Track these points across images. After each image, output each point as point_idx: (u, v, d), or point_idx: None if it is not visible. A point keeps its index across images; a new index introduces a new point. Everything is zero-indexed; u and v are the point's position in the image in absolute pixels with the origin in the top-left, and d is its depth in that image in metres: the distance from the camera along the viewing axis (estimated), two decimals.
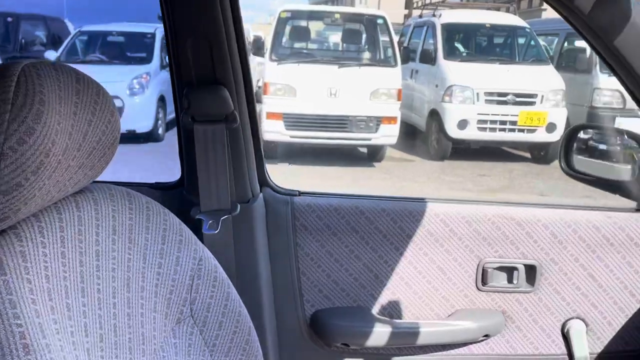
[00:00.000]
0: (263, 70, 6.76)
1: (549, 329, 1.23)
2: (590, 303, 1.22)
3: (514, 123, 6.87)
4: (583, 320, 1.23)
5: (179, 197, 1.13)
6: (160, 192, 1.16)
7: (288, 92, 6.21)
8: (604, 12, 0.96)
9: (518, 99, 7.01)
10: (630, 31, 0.98)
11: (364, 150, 7.54)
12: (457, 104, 7.13)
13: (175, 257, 0.76)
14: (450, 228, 1.20)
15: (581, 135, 1.60)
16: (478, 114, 7.04)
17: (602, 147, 1.52)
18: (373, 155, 7.17)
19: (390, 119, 6.48)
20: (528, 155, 7.48)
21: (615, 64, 1.05)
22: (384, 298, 1.21)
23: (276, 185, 1.22)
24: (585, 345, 1.23)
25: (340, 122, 6.38)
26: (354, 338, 1.18)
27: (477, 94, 7.08)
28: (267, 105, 6.24)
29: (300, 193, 1.22)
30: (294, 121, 6.24)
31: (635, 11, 0.99)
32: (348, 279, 1.20)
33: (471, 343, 1.23)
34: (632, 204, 1.29)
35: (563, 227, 1.20)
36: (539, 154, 7.20)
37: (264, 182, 1.21)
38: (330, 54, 6.89)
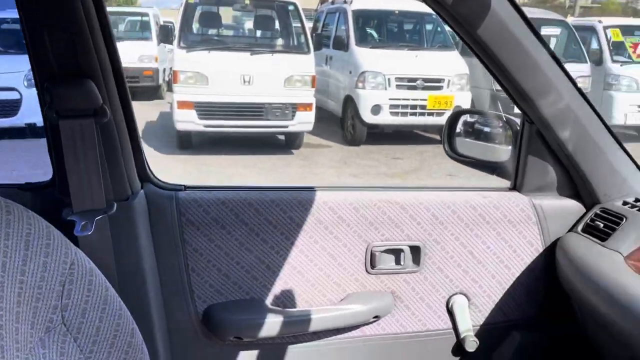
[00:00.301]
0: (172, 58, 6.54)
1: (435, 306, 1.30)
2: (471, 279, 1.30)
3: (423, 107, 7.14)
4: (465, 295, 1.31)
5: (50, 198, 1.06)
6: (30, 193, 1.09)
7: (199, 80, 6.05)
8: (466, 2, 1.01)
9: (427, 84, 7.28)
10: (490, 20, 1.04)
11: (282, 137, 7.53)
12: (370, 89, 7.29)
13: (42, 262, 0.72)
14: (339, 215, 1.22)
15: (468, 119, 1.68)
16: (390, 99, 7.24)
17: (487, 129, 1.61)
18: (291, 142, 7.18)
19: (306, 106, 6.51)
20: (438, 137, 7.81)
21: (479, 51, 1.11)
22: (276, 288, 1.22)
23: (159, 181, 1.19)
24: (468, 318, 1.30)
25: (255, 110, 6.32)
26: (247, 330, 1.18)
27: (389, 79, 7.27)
28: (178, 94, 6.06)
29: (186, 187, 1.19)
30: (207, 110, 6.10)
31: (495, 1, 1.05)
32: (239, 272, 1.20)
33: (363, 325, 1.26)
34: (507, 183, 1.38)
35: (443, 209, 1.26)
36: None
37: (145, 177, 1.16)
38: (242, 41, 6.77)
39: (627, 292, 1.02)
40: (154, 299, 1.14)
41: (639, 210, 1.18)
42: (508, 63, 1.12)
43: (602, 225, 1.22)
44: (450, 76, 7.18)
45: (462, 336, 1.29)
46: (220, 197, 1.18)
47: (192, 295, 1.18)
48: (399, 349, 1.30)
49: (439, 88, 7.32)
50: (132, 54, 10.91)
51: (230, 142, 7.03)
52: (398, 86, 7.27)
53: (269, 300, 1.22)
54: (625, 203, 1.23)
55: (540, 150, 1.27)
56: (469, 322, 1.30)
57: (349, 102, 7.68)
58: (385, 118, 7.30)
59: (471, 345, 1.28)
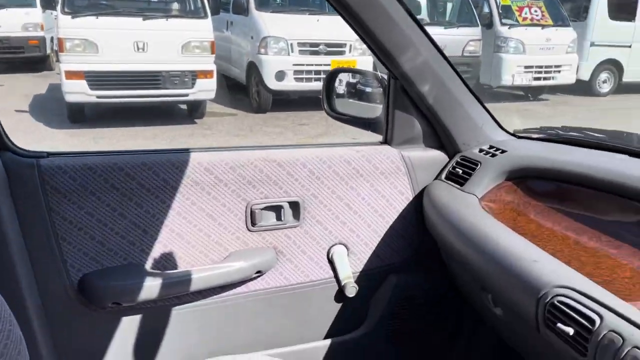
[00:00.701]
0: (56, 24, 6.06)
1: (316, 257, 1.36)
2: (349, 229, 1.37)
3: (327, 72, 7.20)
4: (344, 245, 1.38)
5: None
6: None
7: (88, 48, 5.68)
8: None
9: (329, 49, 7.34)
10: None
11: (184, 107, 7.31)
12: (272, 55, 7.22)
13: None
14: (215, 175, 1.23)
15: (351, 80, 1.74)
16: (294, 64, 7.24)
17: (368, 90, 1.67)
18: (193, 111, 6.99)
19: (206, 73, 6.34)
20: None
21: (343, 11, 1.15)
22: (155, 252, 1.22)
23: (18, 148, 1.12)
24: (348, 266, 1.38)
25: (152, 79, 6.06)
26: (126, 295, 1.17)
27: (291, 44, 7.24)
28: (65, 64, 5.65)
29: (49, 154, 1.14)
30: (99, 80, 5.76)
31: None
32: (114, 238, 1.18)
33: (247, 281, 1.30)
34: (379, 137, 1.45)
35: (319, 164, 1.31)
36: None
37: (2, 145, 1.10)
38: (134, 5, 6.40)
39: (479, 229, 1.13)
40: (23, 273, 1.10)
41: (492, 155, 1.30)
42: (369, 22, 1.17)
43: (461, 171, 1.33)
44: (351, 41, 7.29)
45: (342, 283, 1.36)
46: (87, 162, 1.14)
47: (65, 265, 1.15)
48: (284, 300, 1.35)
49: (342, 53, 7.41)
50: (13, 22, 10.02)
51: (128, 113, 6.71)
52: (301, 51, 7.27)
53: (148, 265, 1.21)
54: (481, 150, 1.35)
55: (405, 104, 1.34)
56: (349, 270, 1.37)
57: (253, 69, 7.57)
58: (289, 84, 7.30)
59: (351, 290, 1.36)
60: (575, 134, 1.34)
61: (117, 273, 1.18)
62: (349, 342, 1.42)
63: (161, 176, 1.19)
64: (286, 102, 7.87)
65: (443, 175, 1.38)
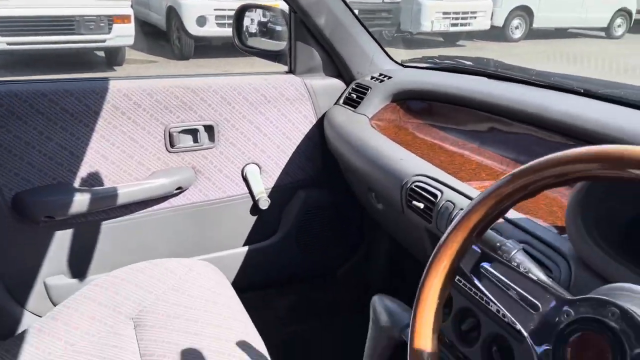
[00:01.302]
0: None
1: (232, 175, 1.54)
2: (260, 150, 1.55)
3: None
4: (257, 164, 1.56)
5: None
6: None
7: None
8: None
9: None
10: None
11: (101, 54, 7.05)
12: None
13: None
14: (134, 101, 1.36)
15: (262, 18, 1.87)
16: (215, 9, 7.12)
17: (277, 28, 1.81)
18: (111, 58, 6.77)
19: (123, 18, 6.13)
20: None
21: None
22: (82, 172, 1.35)
23: None
24: (260, 183, 1.57)
25: (65, 24, 5.80)
26: (58, 209, 1.30)
27: None
28: None
29: None
30: (6, 25, 5.45)
31: None
32: (43, 159, 1.29)
33: (170, 197, 1.46)
34: (284, 68, 1.62)
35: (230, 91, 1.47)
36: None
37: None
38: None
39: (366, 141, 1.34)
40: None
41: (380, 82, 1.52)
42: None
43: (355, 96, 1.54)
44: None
45: (256, 198, 1.56)
46: (13, 89, 1.23)
47: None
48: (204, 214, 1.53)
49: None
50: None
51: (42, 61, 6.41)
52: None
53: (76, 183, 1.34)
54: (372, 77, 1.56)
55: (305, 36, 1.52)
56: (262, 186, 1.57)
57: (172, 14, 7.38)
58: (211, 29, 7.20)
59: (264, 204, 1.56)
60: (449, 62, 1.57)
61: (48, 190, 1.30)
62: (265, 249, 1.64)
63: (83, 102, 1.30)
64: (209, 48, 7.78)
65: (341, 101, 1.58)
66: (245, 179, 1.56)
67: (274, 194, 1.60)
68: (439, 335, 0.62)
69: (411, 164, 1.14)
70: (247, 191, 1.57)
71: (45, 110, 1.27)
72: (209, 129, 1.47)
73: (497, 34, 10.94)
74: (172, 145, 1.43)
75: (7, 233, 1.30)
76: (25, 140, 1.26)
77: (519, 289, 0.56)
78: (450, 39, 10.42)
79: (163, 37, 7.93)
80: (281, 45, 1.66)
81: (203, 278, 1.28)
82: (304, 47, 1.54)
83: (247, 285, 1.59)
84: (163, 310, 1.18)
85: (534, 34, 11.58)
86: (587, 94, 1.13)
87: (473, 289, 0.86)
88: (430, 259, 0.63)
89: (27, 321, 1.37)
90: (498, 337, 0.77)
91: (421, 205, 1.03)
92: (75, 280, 1.41)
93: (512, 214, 0.90)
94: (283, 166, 1.60)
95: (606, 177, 0.49)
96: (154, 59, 7.46)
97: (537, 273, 0.67)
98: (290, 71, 1.59)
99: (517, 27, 11.52)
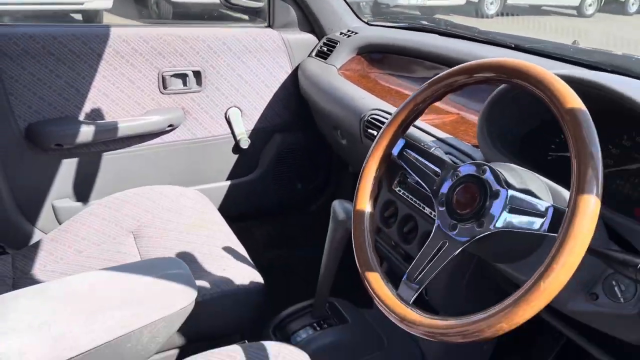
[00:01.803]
0: None
1: (216, 117, 1.75)
2: (242, 95, 1.77)
3: None
4: (238, 107, 1.78)
5: None
6: None
7: None
8: None
9: None
10: None
11: (79, 17, 7.05)
12: None
13: None
14: (132, 46, 1.55)
15: None
16: None
17: None
18: (89, 21, 6.78)
19: None
20: (246, 17, 8.03)
21: None
22: (86, 107, 1.54)
23: None
24: (242, 125, 1.79)
25: None
26: (66, 138, 1.50)
27: None
28: None
29: None
30: None
31: None
32: (52, 94, 1.48)
33: (162, 133, 1.67)
34: (264, 22, 1.83)
35: (216, 41, 1.67)
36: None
37: None
38: None
39: (334, 86, 1.57)
40: None
41: (348, 37, 1.74)
42: None
43: (326, 49, 1.76)
44: None
45: (238, 138, 1.78)
46: (28, 31, 1.41)
47: (13, 115, 1.45)
48: (192, 150, 1.74)
49: None
50: None
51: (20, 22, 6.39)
52: None
53: (81, 117, 1.54)
54: (341, 33, 1.77)
55: None
56: (243, 128, 1.79)
57: None
58: None
59: (244, 143, 1.78)
60: (409, 21, 1.80)
61: (57, 122, 1.50)
62: (245, 184, 1.86)
63: (88, 45, 1.49)
64: (187, 15, 7.81)
65: (313, 53, 1.80)
66: (228, 121, 1.77)
67: (253, 135, 1.82)
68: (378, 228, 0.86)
69: (369, 102, 1.37)
70: (230, 132, 1.78)
71: (55, 52, 1.45)
72: (197, 74, 1.67)
73: (472, 9, 11.15)
74: (164, 88, 1.63)
75: (21, 159, 1.49)
76: (37, 77, 1.45)
77: (427, 162, 0.81)
78: (426, 12, 10.60)
79: (142, 1, 7.92)
80: (261, 2, 1.85)
81: (193, 202, 1.50)
82: (281, 4, 1.75)
83: (228, 215, 1.82)
84: (159, 225, 1.40)
85: (508, 9, 11.82)
86: (517, 47, 1.38)
87: (413, 198, 1.11)
88: (370, 149, 0.87)
89: (36, 237, 1.58)
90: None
91: (375, 133, 1.27)
92: (79, 204, 1.62)
93: (441, 134, 1.14)
94: (262, 111, 1.82)
95: (476, 82, 0.74)
96: (133, 23, 7.48)
97: (442, 156, 0.92)
98: (269, 25, 1.80)
99: (492, 3, 11.74)
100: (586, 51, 1.35)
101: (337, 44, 1.73)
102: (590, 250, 0.70)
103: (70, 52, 1.48)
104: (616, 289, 0.74)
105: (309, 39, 1.82)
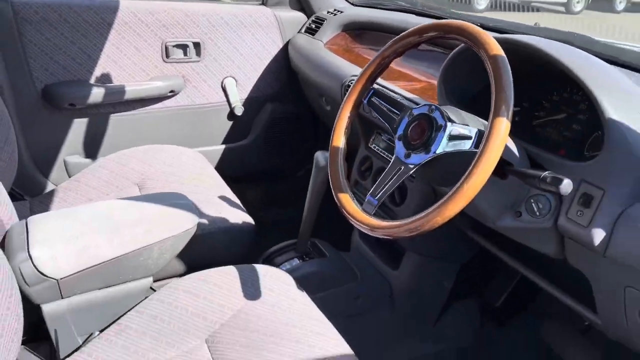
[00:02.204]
0: None
1: (214, 85, 1.92)
2: (237, 66, 1.94)
3: None
4: (234, 78, 1.95)
5: None
6: None
7: None
8: None
9: None
10: None
11: None
12: None
13: None
14: (139, 18, 1.72)
15: None
16: None
17: None
18: None
19: None
20: None
21: None
22: (97, 72, 1.71)
23: None
24: (236, 94, 1.96)
25: None
26: (78, 99, 1.67)
27: None
28: None
29: None
30: None
31: None
32: (67, 59, 1.65)
33: (164, 98, 1.84)
34: (259, 0, 2.00)
35: (215, 16, 1.84)
36: None
37: None
38: None
39: (321, 58, 1.75)
40: (5, 85, 1.56)
41: (334, 15, 1.92)
42: None
43: (314, 26, 1.94)
44: None
45: (232, 106, 1.95)
46: (47, 1, 1.58)
47: (31, 77, 1.62)
48: (191, 116, 1.92)
49: None
50: None
51: None
52: None
53: (92, 80, 1.71)
54: (328, 12, 1.95)
55: None
56: (237, 96, 1.96)
57: None
58: None
59: (239, 111, 1.96)
60: (387, 3, 1.98)
61: (70, 84, 1.67)
62: (238, 148, 2.04)
63: (99, 15, 1.66)
64: None
65: (303, 30, 1.98)
66: (224, 89, 1.95)
67: (246, 104, 2.00)
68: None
69: (350, 69, 1.56)
70: (226, 99, 1.96)
71: (70, 20, 1.62)
72: (197, 46, 1.84)
73: (461, 3, 11.33)
74: (167, 57, 1.80)
75: (37, 117, 1.66)
76: (54, 42, 1.62)
77: (390, 106, 0.99)
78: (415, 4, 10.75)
79: None
80: None
81: (192, 160, 1.68)
82: None
83: (222, 176, 2.00)
84: (161, 178, 1.57)
85: (498, 4, 12.03)
86: (482, 25, 1.56)
87: (385, 153, 1.31)
88: (345, 97, 1.06)
89: (49, 189, 1.75)
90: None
91: None
92: (88, 160, 1.79)
93: (410, 96, 1.33)
94: (255, 81, 2.00)
95: (426, 40, 0.93)
96: None
97: (402, 101, 1.11)
98: (263, 3, 1.97)
99: None
100: (545, 29, 1.54)
101: (324, 21, 1.91)
102: (512, 171, 0.90)
103: (84, 21, 1.64)
104: (534, 206, 0.94)
105: (299, 16, 2.00)
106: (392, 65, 1.55)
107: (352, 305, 1.44)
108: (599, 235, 0.85)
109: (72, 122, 1.73)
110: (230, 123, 2.01)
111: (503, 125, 0.77)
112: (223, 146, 2.02)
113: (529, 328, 1.58)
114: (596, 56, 1.03)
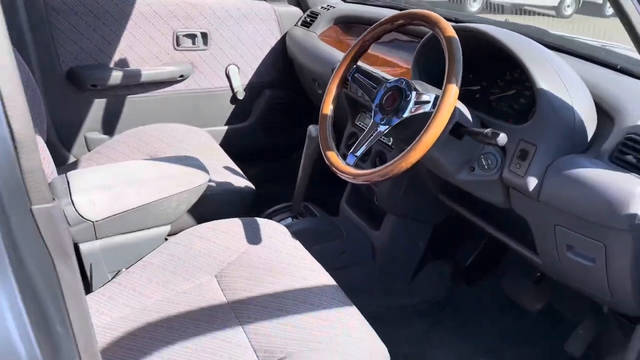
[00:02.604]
0: None
1: (218, 72, 2.14)
2: (239, 55, 2.16)
3: None
4: (236, 65, 2.17)
5: None
6: None
7: None
8: None
9: None
10: None
11: None
12: None
13: None
14: (153, 9, 1.94)
15: None
16: None
17: None
18: None
19: None
20: None
21: None
22: (116, 57, 1.93)
23: None
24: (239, 80, 2.18)
25: None
26: (99, 80, 1.89)
27: None
28: None
29: None
30: None
31: None
32: (90, 45, 1.87)
33: (174, 83, 2.06)
34: None
35: (221, 9, 2.06)
36: None
37: None
38: None
39: (315, 47, 1.98)
40: (34, 63, 1.77)
41: (327, 10, 2.14)
42: None
43: (309, 20, 2.16)
44: None
45: (235, 90, 2.17)
46: None
47: (58, 60, 1.83)
48: (198, 99, 2.13)
49: None
50: None
51: None
52: None
53: (111, 64, 1.93)
54: (322, 7, 2.18)
55: None
56: (239, 82, 2.18)
57: None
58: None
59: (241, 95, 2.18)
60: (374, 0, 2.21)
61: (92, 68, 1.89)
62: (239, 129, 2.26)
63: (119, 6, 1.88)
64: None
65: (299, 23, 2.20)
66: (227, 76, 2.16)
67: (247, 89, 2.22)
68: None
69: (340, 57, 1.78)
70: (229, 85, 2.18)
71: (93, 10, 1.84)
72: (204, 36, 2.06)
73: (454, 5, 11.59)
74: (177, 45, 2.02)
75: (62, 96, 1.88)
76: (78, 30, 1.83)
77: (369, 81, 1.22)
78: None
79: None
80: None
81: (199, 137, 1.89)
82: None
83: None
84: (172, 152, 1.79)
85: (491, 7, 12.29)
86: (456, 20, 1.79)
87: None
88: (333, 73, 1.28)
89: (70, 162, 1.96)
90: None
91: None
92: (106, 136, 2.00)
93: (391, 78, 1.55)
94: (255, 69, 2.22)
95: (397, 27, 1.16)
96: None
97: (379, 75, 1.33)
98: None
99: (474, 0, 12.20)
100: (512, 24, 1.77)
101: (318, 15, 2.14)
102: (465, 131, 1.12)
103: (105, 11, 1.86)
104: (484, 162, 1.17)
105: (296, 11, 2.22)
106: (379, 54, 1.78)
107: (338, 259, 1.66)
108: (532, 182, 1.08)
109: (93, 101, 1.94)
110: (232, 107, 2.23)
111: (453, 89, 0.99)
112: (226, 127, 2.23)
113: (494, 286, 1.81)
114: (548, 45, 1.26)
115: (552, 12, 13.59)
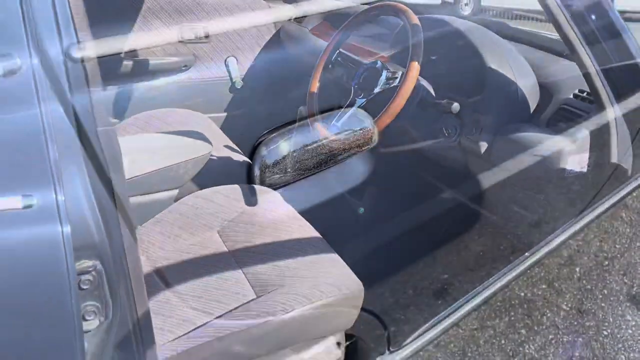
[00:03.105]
0: None
1: (219, 63, 2.35)
2: (238, 47, 2.37)
3: None
4: (235, 57, 2.38)
5: None
6: None
7: None
8: None
9: None
10: None
11: None
12: None
13: None
14: (160, 5, 2.15)
15: None
16: None
17: None
18: None
19: None
20: None
21: None
22: (127, 47, 2.14)
23: None
24: (237, 70, 2.39)
25: None
26: (111, 69, 2.10)
27: None
28: None
29: None
30: None
31: None
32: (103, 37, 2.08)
33: (179, 72, 2.27)
34: None
35: (221, 8, 2.28)
36: None
37: None
38: None
39: (307, 42, 2.20)
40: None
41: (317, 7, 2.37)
42: None
43: (301, 17, 2.38)
44: None
45: (234, 80, 2.38)
46: None
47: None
48: (199, 87, 2.34)
49: None
50: None
51: None
52: None
53: (123, 54, 2.14)
54: None
55: None
56: (238, 72, 2.39)
57: None
58: None
59: (239, 84, 2.39)
60: None
61: (105, 57, 2.10)
62: (237, 116, 2.47)
63: (130, 2, 2.09)
64: None
65: (292, 19, 2.42)
66: (227, 66, 2.38)
67: (245, 79, 2.43)
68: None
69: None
70: (228, 75, 2.39)
71: (107, 6, 2.05)
72: (206, 30, 2.27)
73: (448, 9, 11.86)
74: (182, 38, 2.23)
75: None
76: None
77: (349, 63, 1.44)
78: None
79: None
80: None
81: (200, 121, 2.10)
82: None
83: None
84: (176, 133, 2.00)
85: (483, 12, 12.56)
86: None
87: None
88: (319, 57, 1.49)
89: None
90: None
91: None
92: (116, 120, 2.21)
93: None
94: (252, 60, 2.43)
95: (373, 16, 1.38)
96: None
97: (356, 58, 1.55)
98: None
99: (466, 4, 12.48)
100: (482, 20, 1.99)
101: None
102: (428, 103, 1.34)
103: (117, 7, 2.07)
104: (446, 132, 1.38)
105: (290, 8, 2.44)
106: (360, 45, 1.99)
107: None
108: (484, 146, 1.30)
109: (105, 88, 2.15)
110: (231, 95, 2.44)
111: (415, 66, 1.21)
112: (225, 114, 2.44)
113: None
114: (506, 36, 1.48)
115: (542, 17, 13.91)
